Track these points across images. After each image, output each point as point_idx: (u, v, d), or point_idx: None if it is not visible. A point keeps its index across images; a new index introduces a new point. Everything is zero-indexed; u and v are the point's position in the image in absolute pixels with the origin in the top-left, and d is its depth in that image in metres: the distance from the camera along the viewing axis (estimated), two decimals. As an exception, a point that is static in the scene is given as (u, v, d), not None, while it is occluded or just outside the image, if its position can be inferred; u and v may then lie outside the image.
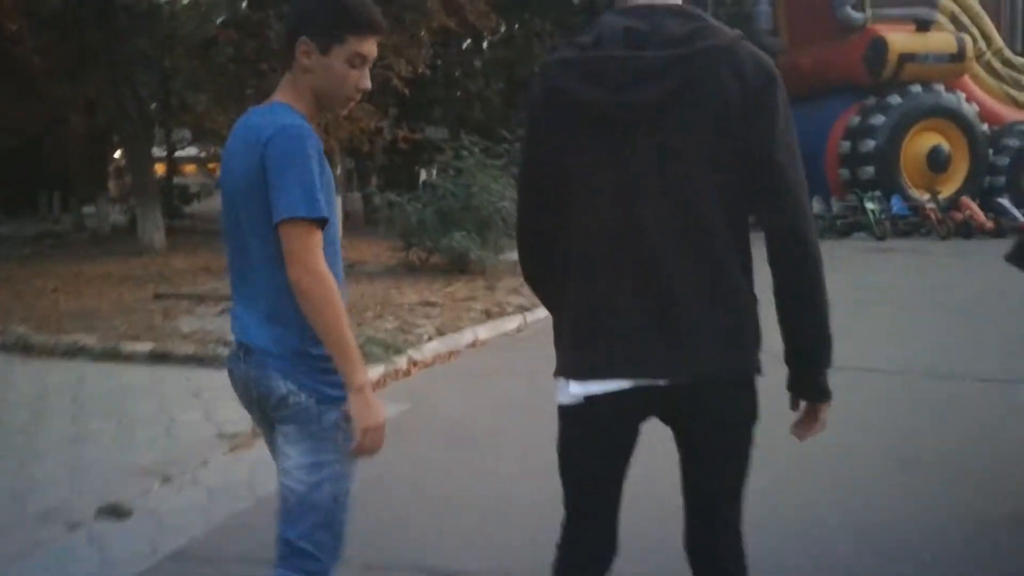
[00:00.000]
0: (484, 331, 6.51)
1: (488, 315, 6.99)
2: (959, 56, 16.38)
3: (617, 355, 1.49)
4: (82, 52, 12.62)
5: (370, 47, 1.71)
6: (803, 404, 1.59)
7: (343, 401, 1.65)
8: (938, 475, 3.41)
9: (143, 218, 13.27)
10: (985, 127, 16.62)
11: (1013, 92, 18.03)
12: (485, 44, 21.25)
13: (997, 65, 18.00)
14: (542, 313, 5.64)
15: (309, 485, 1.68)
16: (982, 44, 17.68)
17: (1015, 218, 14.75)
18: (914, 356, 5.53)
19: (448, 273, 9.48)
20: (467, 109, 19.91)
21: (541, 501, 2.63)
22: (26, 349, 5.83)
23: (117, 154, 20.90)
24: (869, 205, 14.97)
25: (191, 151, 26.77)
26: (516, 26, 20.51)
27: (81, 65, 12.67)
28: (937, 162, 15.96)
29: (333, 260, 1.69)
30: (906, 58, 16.04)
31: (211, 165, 25.78)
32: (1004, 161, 16.45)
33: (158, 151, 21.45)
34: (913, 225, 15.34)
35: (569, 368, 1.55)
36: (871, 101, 16.26)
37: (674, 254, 1.47)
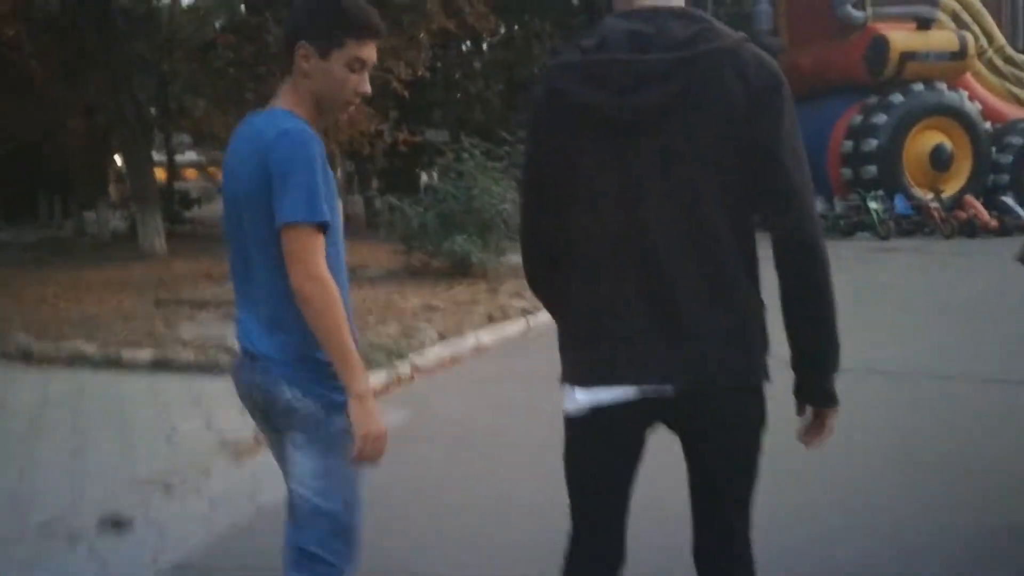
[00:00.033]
0: (487, 335, 6.48)
1: (491, 319, 6.97)
2: (960, 54, 16.37)
3: (621, 359, 1.48)
4: (80, 56, 12.62)
5: (369, 51, 1.71)
6: (810, 410, 1.57)
7: None
8: (939, 475, 3.39)
9: (143, 223, 13.26)
10: (988, 125, 16.59)
11: (1015, 89, 18.01)
12: (485, 46, 21.25)
13: (999, 62, 17.99)
14: (545, 317, 5.61)
15: (320, 492, 1.69)
16: (984, 41, 17.67)
17: (1019, 216, 14.72)
18: (915, 356, 5.51)
19: (450, 276, 9.46)
20: (467, 111, 19.92)
21: (545, 508, 2.60)
22: (27, 357, 5.81)
23: (117, 159, 20.90)
24: (872, 205, 14.94)
25: (191, 155, 26.81)
26: (516, 27, 20.51)
27: (79, 69, 12.67)
28: (940, 161, 15.94)
29: (336, 264, 1.68)
30: (907, 57, 16.03)
31: (211, 169, 25.79)
32: (1007, 159, 16.42)
33: (158, 156, 21.47)
34: (916, 224, 15.31)
35: (574, 374, 1.54)
36: (873, 100, 16.23)
37: (678, 257, 1.45)
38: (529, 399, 4.54)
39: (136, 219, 13.95)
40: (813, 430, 1.58)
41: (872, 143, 15.89)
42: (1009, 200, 15.27)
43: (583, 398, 1.51)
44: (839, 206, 15.89)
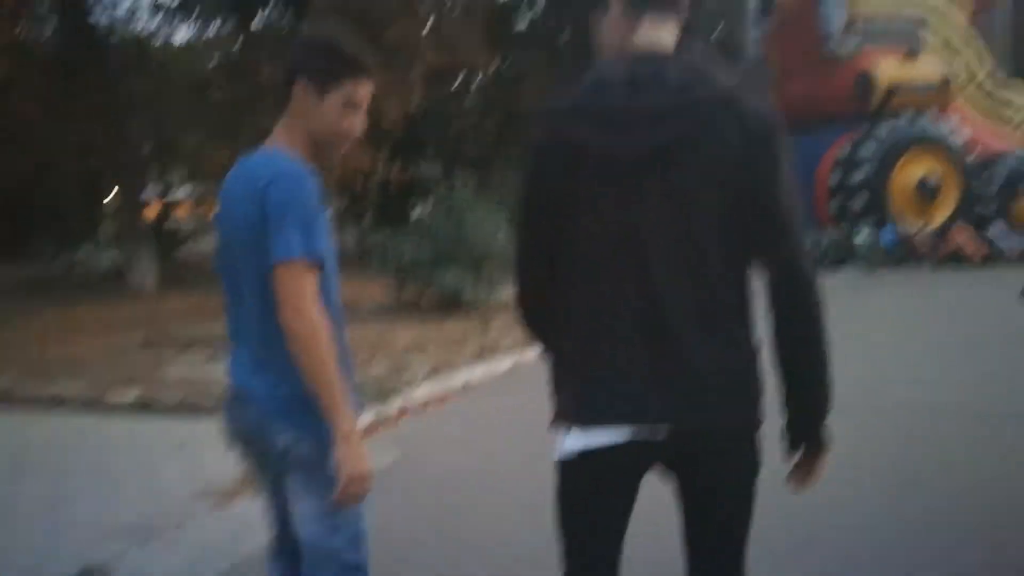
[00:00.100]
0: (478, 372, 6.43)
1: (481, 355, 6.92)
2: (945, 85, 16.60)
3: (618, 401, 1.46)
4: (73, 96, 12.66)
5: (365, 90, 1.75)
6: (800, 452, 1.56)
7: None
8: (925, 506, 3.34)
9: (134, 260, 13.22)
10: (975, 154, 16.77)
11: (1002, 119, 18.23)
12: (476, 82, 21.47)
13: (989, 88, 18.22)
14: (535, 352, 5.57)
15: (325, 532, 1.71)
16: (975, 67, 17.91)
17: (1006, 246, 14.82)
18: (903, 390, 5.47)
19: (441, 311, 9.42)
20: (460, 146, 20.04)
21: (535, 553, 2.54)
22: (8, 398, 5.72)
23: (109, 197, 20.92)
24: (859, 236, 15.01)
25: (185, 191, 26.82)
26: (507, 63, 20.75)
27: (72, 109, 12.71)
28: (926, 191, 16.07)
29: (331, 303, 1.69)
30: (894, 88, 16.24)
31: (204, 207, 25.78)
32: (994, 188, 16.56)
33: (152, 192, 21.48)
34: (904, 255, 15.39)
35: (567, 414, 1.52)
36: (860, 131, 16.41)
37: (676, 297, 1.45)
38: (519, 440, 4.48)
39: (126, 256, 13.91)
40: (802, 472, 1.58)
41: (859, 174, 16.04)
42: (996, 230, 15.37)
43: (576, 439, 1.49)
44: (827, 237, 15.97)
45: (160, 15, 15.53)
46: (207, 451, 4.18)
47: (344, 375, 1.66)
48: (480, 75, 20.12)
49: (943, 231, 15.52)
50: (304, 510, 1.72)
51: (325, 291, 1.68)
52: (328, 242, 1.70)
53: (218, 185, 1.87)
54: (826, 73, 16.81)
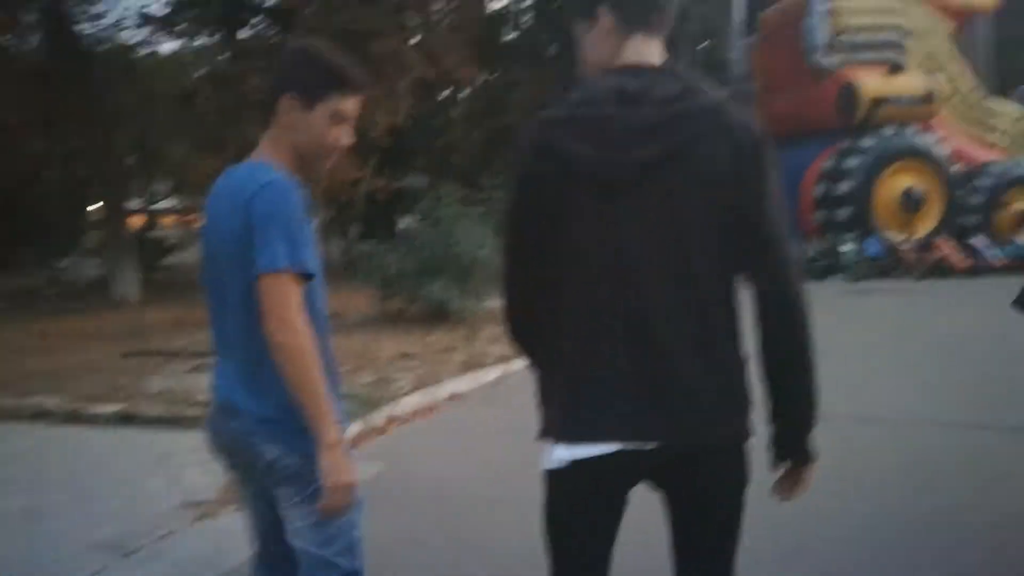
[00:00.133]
0: (464, 383, 6.40)
1: (468, 366, 6.89)
2: (929, 98, 16.80)
3: (607, 416, 1.46)
4: (58, 107, 12.59)
5: (352, 105, 1.75)
6: (786, 464, 1.56)
7: None
8: (917, 517, 3.33)
9: (117, 271, 13.12)
10: (958, 167, 16.96)
11: (985, 132, 18.46)
12: (464, 94, 21.54)
13: (971, 104, 18.45)
14: (521, 363, 5.55)
15: (320, 543, 1.70)
16: (957, 83, 18.14)
17: (993, 256, 14.96)
18: (888, 400, 5.48)
19: (427, 322, 9.39)
20: (447, 157, 20.06)
21: (522, 566, 2.51)
22: (-12, 412, 5.64)
23: (93, 207, 20.79)
24: (844, 247, 15.12)
25: (170, 201, 26.69)
26: (494, 75, 20.84)
27: (57, 120, 12.65)
28: (910, 203, 16.22)
29: (317, 314, 1.69)
30: (878, 102, 16.42)
31: (189, 218, 25.67)
32: (978, 200, 16.74)
33: (137, 202, 21.37)
34: (888, 266, 15.50)
35: (554, 428, 1.51)
36: (845, 144, 16.57)
37: (664, 311, 1.45)
38: (506, 451, 4.45)
39: (109, 267, 13.80)
40: (789, 484, 1.58)
41: (844, 186, 16.17)
42: (978, 242, 15.52)
43: (564, 453, 1.48)
44: (812, 249, 16.07)
45: (147, 26, 15.46)
46: (189, 464, 4.13)
47: (330, 386, 1.65)
48: (467, 87, 20.17)
49: (928, 242, 15.67)
50: (297, 524, 1.72)
51: (310, 302, 1.67)
52: (314, 254, 1.69)
53: (204, 196, 1.86)
54: (811, 87, 16.98)
